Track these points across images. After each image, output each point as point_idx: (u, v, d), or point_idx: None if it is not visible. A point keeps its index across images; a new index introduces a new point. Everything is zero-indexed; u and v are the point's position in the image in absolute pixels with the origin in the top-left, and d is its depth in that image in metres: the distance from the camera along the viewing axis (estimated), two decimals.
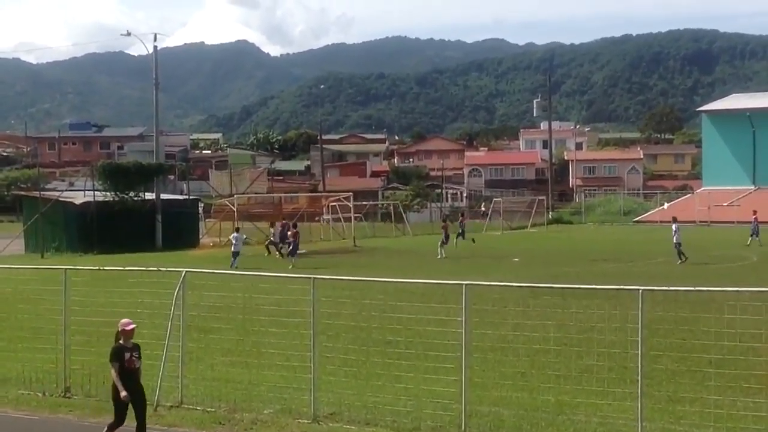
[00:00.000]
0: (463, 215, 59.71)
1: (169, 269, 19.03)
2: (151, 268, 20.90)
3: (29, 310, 25.32)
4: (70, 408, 16.75)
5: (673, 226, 47.08)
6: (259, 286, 21.10)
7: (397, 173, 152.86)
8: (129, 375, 13.89)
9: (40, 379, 18.29)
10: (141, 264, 30.22)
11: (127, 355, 13.97)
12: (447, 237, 52.74)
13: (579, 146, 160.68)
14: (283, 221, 55.62)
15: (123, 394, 13.68)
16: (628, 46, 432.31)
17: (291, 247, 46.86)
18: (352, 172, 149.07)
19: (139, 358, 14.20)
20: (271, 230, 54.88)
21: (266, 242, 55.54)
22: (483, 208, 68.70)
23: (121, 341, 14.09)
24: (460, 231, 55.91)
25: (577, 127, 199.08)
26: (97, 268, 24.57)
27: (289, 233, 49.14)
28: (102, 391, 17.33)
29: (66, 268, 19.24)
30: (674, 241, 46.24)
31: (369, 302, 22.35)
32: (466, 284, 14.96)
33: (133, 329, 14.21)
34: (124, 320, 14.38)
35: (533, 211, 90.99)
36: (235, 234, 47.63)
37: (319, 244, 62.75)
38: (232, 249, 46.08)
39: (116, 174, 63.30)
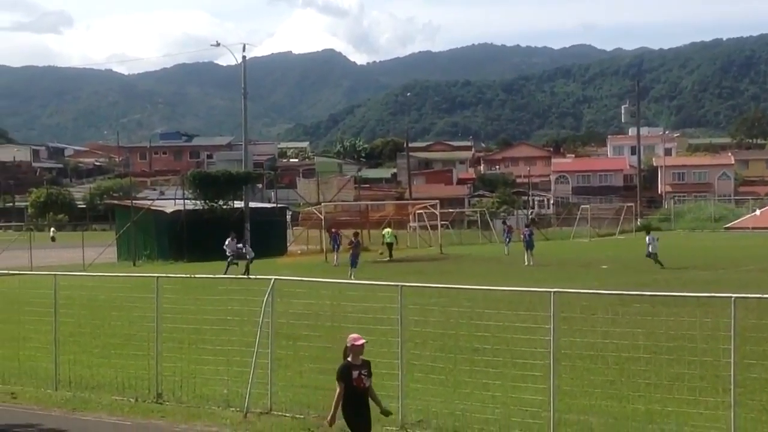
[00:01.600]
0: (528, 225, 58.77)
1: (258, 277, 19.22)
2: (241, 276, 21.15)
3: (122, 317, 25.84)
4: (162, 414, 16.98)
5: (647, 238, 48.43)
6: (347, 294, 21.22)
7: (483, 180, 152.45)
8: (357, 396, 12.89)
9: (132, 385, 18.58)
10: (230, 272, 30.60)
11: (356, 373, 12.88)
12: (531, 242, 52.35)
13: (668, 152, 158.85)
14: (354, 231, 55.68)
15: (328, 420, 13.02)
16: (718, 51, 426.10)
17: (351, 257, 46.56)
18: (438, 180, 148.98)
19: (369, 376, 13.13)
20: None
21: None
22: (506, 223, 67.41)
23: (349, 358, 12.99)
24: (527, 241, 53.49)
25: (666, 132, 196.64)
26: (188, 275, 24.91)
27: (348, 243, 49.63)
28: (193, 397, 17.60)
29: (158, 276, 19.55)
30: (649, 251, 47.55)
31: (456, 310, 22.32)
32: (554, 292, 14.90)
33: (363, 345, 13.11)
34: (354, 335, 13.28)
35: (621, 217, 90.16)
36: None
37: (405, 251, 62.81)
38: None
39: (206, 183, 64.14)
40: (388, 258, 56.89)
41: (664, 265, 45.43)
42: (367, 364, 13.15)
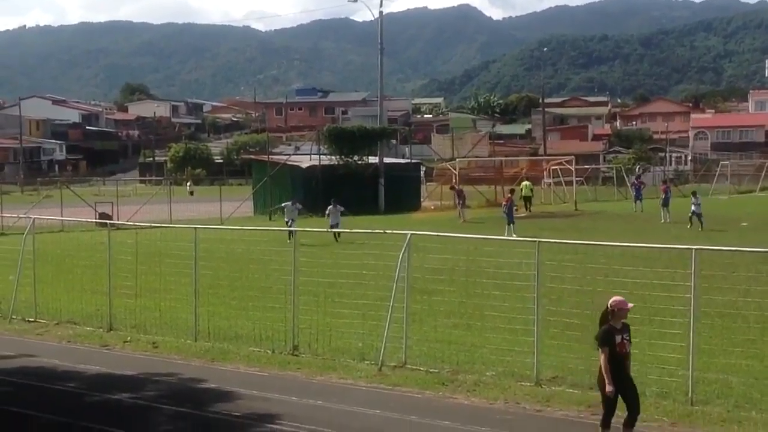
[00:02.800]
0: (666, 182, 57.39)
1: (394, 231, 19.27)
2: (377, 230, 21.23)
3: (259, 270, 26.21)
4: (298, 365, 17.21)
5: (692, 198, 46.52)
6: (483, 249, 21.12)
7: (619, 136, 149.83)
8: (618, 361, 12.27)
9: (269, 337, 18.89)
10: (365, 226, 30.72)
11: (618, 338, 12.28)
12: (667, 199, 51.33)
13: None
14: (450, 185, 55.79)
15: (609, 389, 12.10)
16: None
17: (507, 214, 44.72)
18: (573, 136, 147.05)
19: (630, 341, 12.51)
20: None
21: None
22: (640, 178, 65.52)
23: (610, 321, 12.39)
24: (663, 198, 52.45)
25: None
26: (325, 230, 25.11)
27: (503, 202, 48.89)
28: (328, 350, 17.80)
29: (296, 230, 19.78)
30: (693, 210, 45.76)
31: (592, 266, 22.07)
32: (695, 249, 14.61)
33: (628, 309, 12.50)
34: (618, 298, 12.65)
35: (762, 174, 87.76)
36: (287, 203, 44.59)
37: (540, 207, 62.29)
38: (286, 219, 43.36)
39: (341, 138, 64.48)
40: (525, 213, 56.54)
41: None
42: (627, 328, 12.54)
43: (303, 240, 22.66)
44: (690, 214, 45.36)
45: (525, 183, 60.75)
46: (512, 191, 49.16)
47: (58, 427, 13.81)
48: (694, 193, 47.32)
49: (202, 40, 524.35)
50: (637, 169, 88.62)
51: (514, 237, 35.11)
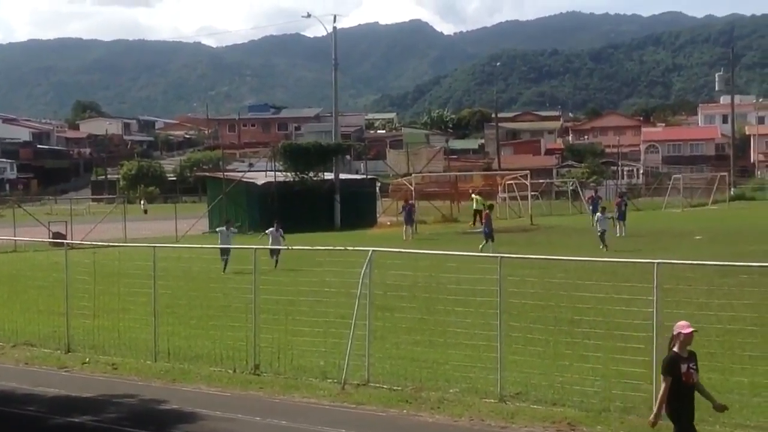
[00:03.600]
0: (621, 196, 57.68)
1: (357, 248, 19.21)
2: (338, 247, 21.19)
3: (218, 289, 26.06)
4: (261, 385, 17.11)
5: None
6: (444, 265, 21.16)
7: (572, 151, 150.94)
8: (685, 391, 11.57)
9: (230, 356, 18.75)
10: (322, 243, 30.73)
11: (684, 366, 11.57)
12: (622, 213, 51.62)
13: (761, 120, 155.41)
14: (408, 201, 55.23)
15: (651, 420, 11.69)
16: None
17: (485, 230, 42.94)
18: (526, 150, 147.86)
19: (697, 369, 11.77)
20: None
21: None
22: (597, 193, 65.96)
23: (675, 348, 11.71)
24: (618, 213, 52.43)
25: (760, 100, 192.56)
26: (285, 247, 25.02)
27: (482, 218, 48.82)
28: (290, 369, 17.70)
29: (255, 248, 19.70)
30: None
31: (552, 281, 22.15)
32: (657, 263, 14.67)
33: (692, 334, 11.72)
34: (682, 323, 11.92)
35: (714, 187, 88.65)
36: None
37: (496, 223, 62.37)
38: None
39: (296, 154, 64.46)
40: (473, 227, 56.69)
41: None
42: (694, 356, 11.85)
43: (260, 265, 22.54)
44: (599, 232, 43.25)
45: (476, 197, 60.81)
46: (491, 207, 48.03)
47: None
48: (603, 209, 46.54)
49: (153, 56, 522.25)
50: (592, 185, 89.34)
51: (490, 253, 34.16)
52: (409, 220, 52.14)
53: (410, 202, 55.07)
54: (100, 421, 15.07)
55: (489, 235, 41.94)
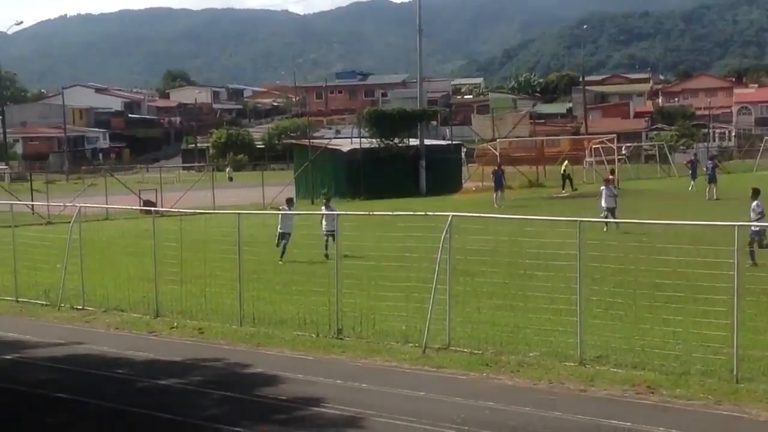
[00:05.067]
0: (712, 158, 57.06)
1: (435, 213, 19.32)
2: (418, 212, 21.32)
3: (302, 255, 26.35)
4: (343, 349, 17.31)
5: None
6: (525, 230, 21.15)
7: (661, 113, 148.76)
8: None
9: (313, 321, 18.99)
10: (406, 209, 30.71)
11: None
12: (695, 174, 51.29)
13: None
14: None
15: None
16: None
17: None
18: (614, 114, 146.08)
19: None
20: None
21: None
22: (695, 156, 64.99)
23: None
24: (709, 174, 51.58)
25: None
26: (367, 213, 25.20)
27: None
28: (372, 333, 17.92)
29: (337, 213, 19.92)
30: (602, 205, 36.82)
31: (635, 245, 22.04)
32: (737, 225, 14.57)
33: None
34: None
35: None
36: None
37: (582, 187, 62.06)
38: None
39: (381, 121, 64.61)
40: (566, 192, 56.65)
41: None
42: None
43: (345, 223, 22.75)
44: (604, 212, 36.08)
45: (565, 163, 60.83)
46: (612, 172, 44.81)
47: (109, 412, 14.00)
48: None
49: (241, 25, 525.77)
50: (682, 148, 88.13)
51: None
52: (499, 185, 51.94)
53: (500, 167, 54.84)
54: (186, 384, 15.41)
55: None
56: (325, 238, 27.71)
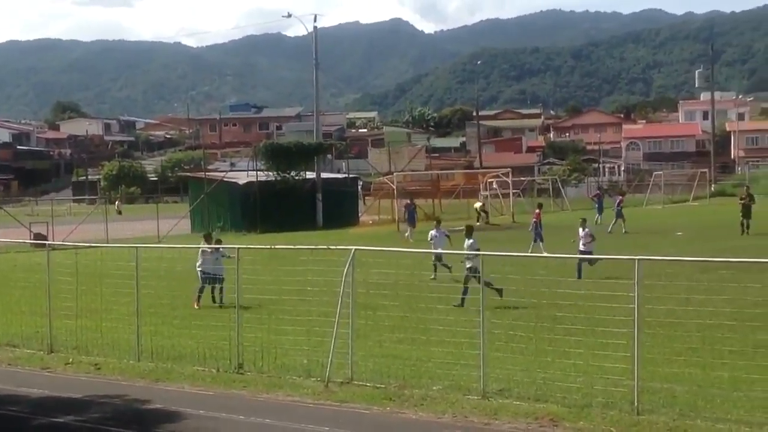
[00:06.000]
0: (597, 192, 58.44)
1: (338, 247, 19.24)
2: (320, 246, 21.22)
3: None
4: (244, 384, 17.07)
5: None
6: (425, 263, 21.21)
7: (553, 148, 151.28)
8: None
9: (213, 356, 18.72)
10: (304, 242, 30.65)
11: None
12: (601, 208, 52.36)
13: (741, 117, 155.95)
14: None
15: None
16: None
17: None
18: (507, 148, 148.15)
19: None
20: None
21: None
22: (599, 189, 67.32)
23: None
24: (617, 209, 52.50)
25: (739, 97, 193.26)
26: (269, 246, 25.03)
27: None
28: (273, 367, 17.72)
29: (238, 247, 19.72)
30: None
31: (533, 278, 22.22)
32: (638, 259, 14.76)
33: None
34: None
35: (695, 184, 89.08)
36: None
37: (474, 222, 62.56)
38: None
39: (278, 154, 64.48)
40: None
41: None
42: None
43: (245, 257, 22.58)
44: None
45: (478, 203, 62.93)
46: (540, 206, 44.46)
47: None
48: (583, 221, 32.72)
49: (133, 57, 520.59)
50: (573, 182, 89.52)
51: (544, 254, 33.00)
52: (412, 220, 51.85)
53: (412, 201, 54.82)
54: (84, 421, 15.03)
55: (537, 236, 39.13)
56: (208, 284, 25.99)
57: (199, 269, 26.22)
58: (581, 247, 30.00)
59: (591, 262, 25.74)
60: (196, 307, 25.44)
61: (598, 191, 65.94)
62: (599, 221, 55.32)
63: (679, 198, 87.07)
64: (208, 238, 28.08)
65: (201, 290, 25.97)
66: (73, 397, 16.77)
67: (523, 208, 70.29)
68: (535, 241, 38.67)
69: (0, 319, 23.17)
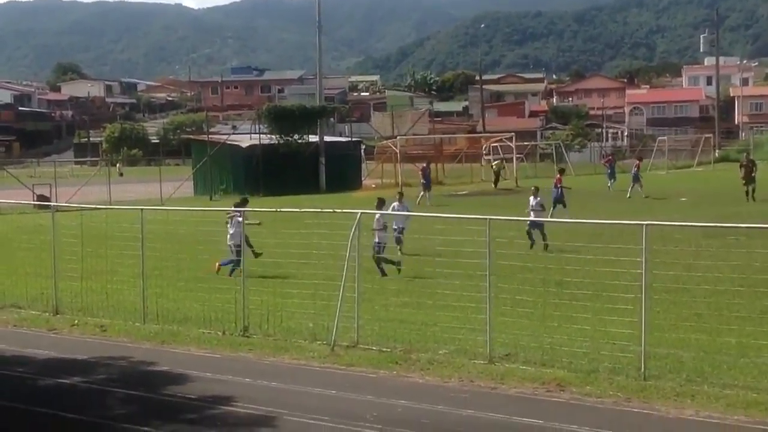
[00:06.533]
0: (608, 156, 58.40)
1: (345, 210, 19.18)
2: (326, 209, 21.14)
3: (205, 251, 25.99)
4: (250, 347, 17.09)
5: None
6: (432, 227, 21.16)
7: (555, 113, 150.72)
8: None
9: (219, 319, 18.72)
10: (308, 206, 30.56)
11: None
12: (613, 173, 52.53)
13: (745, 82, 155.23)
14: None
15: None
16: None
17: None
18: (510, 113, 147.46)
19: None
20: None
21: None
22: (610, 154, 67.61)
23: None
24: (634, 173, 52.26)
25: (743, 62, 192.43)
26: (273, 209, 24.94)
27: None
28: (279, 331, 17.73)
29: (244, 210, 19.66)
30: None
31: (540, 243, 22.19)
32: (646, 224, 14.70)
33: None
34: None
35: (699, 149, 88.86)
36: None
37: (481, 185, 62.56)
38: None
39: (281, 117, 64.28)
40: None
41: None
42: None
43: (247, 220, 22.49)
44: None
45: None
46: (562, 171, 43.50)
47: (11, 412, 13.60)
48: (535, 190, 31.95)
49: (133, 18, 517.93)
50: (577, 147, 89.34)
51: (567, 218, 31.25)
52: (428, 184, 51.42)
53: (428, 165, 54.40)
54: (90, 383, 15.04)
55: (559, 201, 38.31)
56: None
57: (231, 242, 24.23)
58: (532, 215, 28.84)
59: (540, 228, 26.47)
60: (216, 269, 24.38)
61: (610, 156, 65.65)
62: (611, 187, 55.13)
63: (683, 164, 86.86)
64: (242, 205, 25.81)
65: (238, 263, 22.32)
66: (79, 358, 16.78)
67: (525, 173, 70.26)
68: (554, 206, 37.83)
69: (5, 281, 23.15)
